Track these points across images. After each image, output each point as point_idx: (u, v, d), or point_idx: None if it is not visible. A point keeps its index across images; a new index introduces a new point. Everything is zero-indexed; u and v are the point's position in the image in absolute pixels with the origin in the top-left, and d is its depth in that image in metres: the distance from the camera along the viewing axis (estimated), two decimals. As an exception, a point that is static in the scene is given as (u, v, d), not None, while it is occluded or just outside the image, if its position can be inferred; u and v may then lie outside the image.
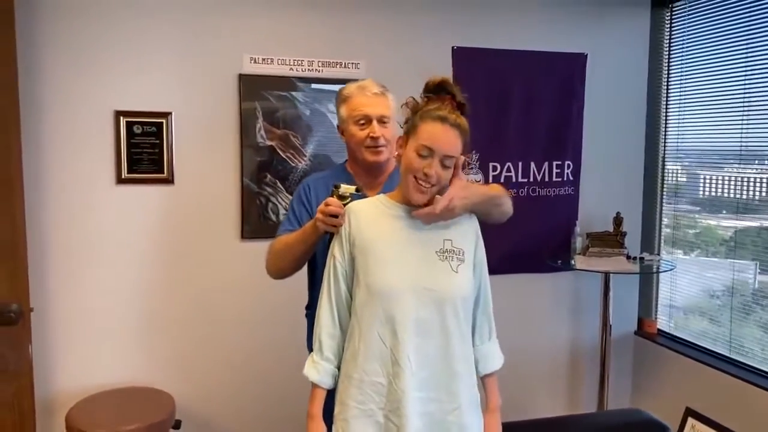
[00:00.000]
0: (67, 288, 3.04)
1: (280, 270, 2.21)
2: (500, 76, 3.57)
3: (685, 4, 3.69)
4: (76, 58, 2.97)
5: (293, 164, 3.29)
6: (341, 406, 1.82)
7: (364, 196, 2.00)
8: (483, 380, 1.95)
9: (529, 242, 3.66)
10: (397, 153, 1.89)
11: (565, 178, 3.75)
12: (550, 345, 3.85)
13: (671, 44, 3.82)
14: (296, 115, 3.27)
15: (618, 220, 3.67)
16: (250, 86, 3.18)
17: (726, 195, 3.49)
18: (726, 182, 3.49)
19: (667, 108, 3.85)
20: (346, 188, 1.94)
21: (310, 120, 3.28)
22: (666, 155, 3.87)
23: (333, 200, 1.91)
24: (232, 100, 3.18)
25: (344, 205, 1.90)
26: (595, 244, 3.66)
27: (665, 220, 3.91)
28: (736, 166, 3.40)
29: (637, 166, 3.93)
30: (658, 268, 3.76)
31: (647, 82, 3.89)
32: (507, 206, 2.11)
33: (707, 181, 3.63)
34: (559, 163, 3.73)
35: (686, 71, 3.72)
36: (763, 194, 3.26)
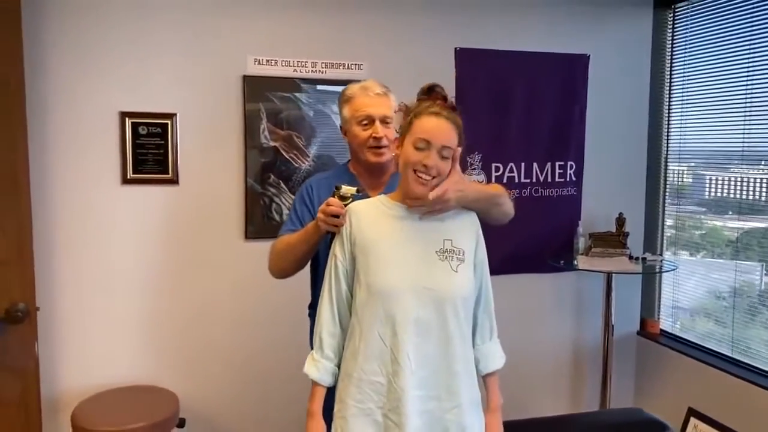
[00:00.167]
0: (73, 287, 3.07)
1: (282, 270, 2.23)
2: (503, 77, 3.58)
3: (688, 5, 3.69)
4: (81, 59, 2.99)
5: (297, 165, 3.31)
6: (340, 404, 1.84)
7: (366, 197, 2.02)
8: (484, 380, 1.96)
9: (531, 242, 3.67)
10: (394, 154, 1.91)
11: (567, 179, 3.76)
12: (552, 345, 3.86)
13: (674, 45, 3.83)
14: (300, 116, 3.29)
15: (620, 221, 3.68)
16: (254, 87, 3.20)
17: (729, 196, 3.50)
18: (729, 183, 3.50)
19: (669, 108, 3.86)
20: (347, 189, 1.96)
21: (313, 121, 3.30)
22: (668, 156, 3.88)
23: (334, 200, 1.93)
24: (237, 101, 3.20)
25: (345, 205, 1.92)
26: (597, 245, 3.67)
27: (668, 221, 3.92)
28: (740, 167, 3.40)
29: (639, 167, 3.93)
30: (660, 269, 3.77)
31: (650, 82, 3.89)
32: (507, 206, 2.11)
33: (710, 181, 3.63)
34: (562, 163, 3.74)
35: (689, 72, 3.72)
36: None
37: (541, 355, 3.83)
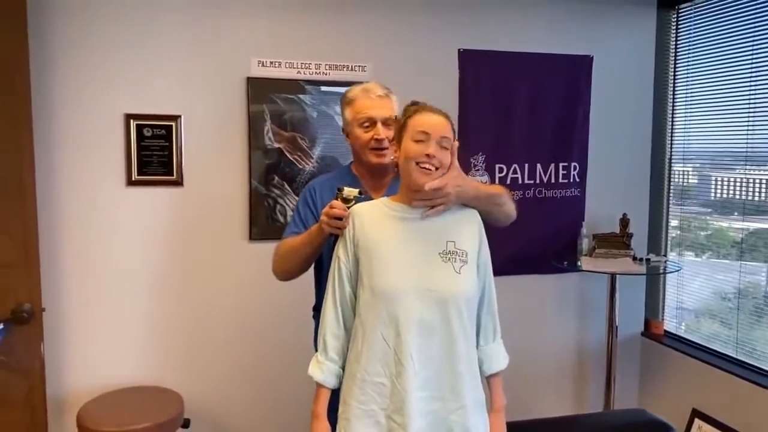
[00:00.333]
0: (78, 288, 3.08)
1: (286, 272, 2.23)
2: (506, 78, 3.59)
3: (692, 5, 3.69)
4: (86, 62, 3.00)
5: (300, 166, 3.32)
6: (344, 405, 1.85)
7: (368, 199, 2.03)
8: (488, 380, 1.96)
9: (535, 243, 3.67)
10: (393, 158, 1.93)
11: (571, 180, 3.76)
12: (556, 346, 3.86)
13: (677, 46, 3.82)
14: (303, 118, 3.30)
15: (624, 222, 3.68)
16: (258, 89, 3.22)
17: (733, 196, 3.49)
18: (733, 184, 3.49)
19: (673, 109, 3.86)
20: (350, 191, 1.97)
21: (317, 122, 3.31)
22: (672, 156, 3.88)
23: (337, 203, 1.94)
24: (241, 103, 3.21)
25: (348, 207, 1.93)
26: (601, 246, 3.67)
27: (672, 222, 3.91)
28: (744, 167, 3.40)
29: (643, 168, 3.93)
30: (664, 270, 3.76)
31: (653, 83, 3.89)
32: (509, 207, 2.11)
33: (714, 182, 3.63)
34: (566, 164, 3.74)
35: (692, 72, 3.72)
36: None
37: (545, 356, 3.83)
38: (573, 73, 3.71)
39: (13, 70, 2.41)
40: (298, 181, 3.31)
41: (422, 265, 1.82)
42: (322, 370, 1.89)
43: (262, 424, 3.38)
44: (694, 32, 3.70)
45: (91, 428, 2.68)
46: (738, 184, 3.45)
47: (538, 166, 3.70)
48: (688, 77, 3.75)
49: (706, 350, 3.61)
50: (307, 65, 3.28)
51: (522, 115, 3.63)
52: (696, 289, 3.74)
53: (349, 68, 3.34)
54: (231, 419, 3.35)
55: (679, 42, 3.82)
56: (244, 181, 3.26)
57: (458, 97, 3.52)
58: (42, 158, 2.88)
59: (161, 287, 3.20)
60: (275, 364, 3.35)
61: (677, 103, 3.84)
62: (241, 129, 3.23)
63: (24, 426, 2.53)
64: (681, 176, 3.85)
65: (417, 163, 1.80)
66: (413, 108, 1.89)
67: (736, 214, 3.47)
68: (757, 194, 3.33)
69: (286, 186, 3.31)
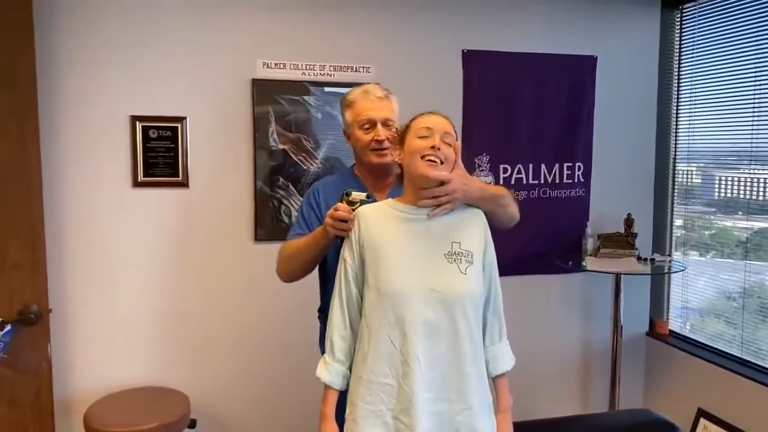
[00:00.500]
0: (85, 289, 3.09)
1: (290, 273, 2.25)
2: (510, 79, 3.59)
3: (695, 5, 3.69)
4: (92, 64, 3.02)
5: (305, 167, 3.33)
6: (351, 406, 1.85)
7: (374, 202, 2.04)
8: (494, 381, 1.96)
9: (540, 243, 3.67)
10: (397, 159, 1.94)
11: (575, 180, 3.76)
12: (561, 346, 3.86)
13: (681, 45, 3.82)
14: (308, 119, 3.31)
15: (629, 222, 3.68)
16: (263, 91, 3.23)
17: (738, 196, 3.49)
18: (738, 183, 3.49)
19: (677, 109, 3.85)
20: (357, 195, 1.98)
21: (321, 123, 3.32)
22: (677, 156, 3.88)
23: (341, 205, 1.95)
24: (246, 104, 3.22)
25: (353, 210, 1.94)
26: (606, 246, 3.67)
27: (676, 221, 3.91)
28: (749, 166, 3.39)
29: (647, 168, 3.93)
30: (669, 269, 3.76)
31: (658, 83, 3.89)
32: (512, 208, 2.12)
33: (719, 182, 3.63)
34: (570, 164, 3.74)
35: (697, 72, 3.72)
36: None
37: (550, 357, 3.83)
38: (577, 74, 3.71)
39: (20, 72, 2.43)
40: (303, 182, 3.32)
41: (428, 266, 1.82)
42: (330, 371, 1.90)
43: (268, 424, 3.39)
44: (698, 32, 3.70)
45: (97, 428, 2.69)
46: (742, 183, 3.45)
47: (543, 166, 3.70)
48: (692, 77, 3.75)
49: (711, 350, 3.61)
50: (311, 66, 3.29)
51: (526, 116, 3.63)
52: (701, 289, 3.74)
53: (354, 69, 3.35)
54: (237, 420, 3.36)
55: (683, 42, 3.82)
56: (249, 182, 3.27)
57: (462, 98, 3.52)
58: (48, 160, 2.89)
59: (167, 288, 3.21)
60: (281, 364, 3.36)
61: (681, 103, 3.83)
62: (246, 130, 3.24)
63: (31, 426, 2.55)
64: (685, 176, 3.85)
65: (422, 157, 1.82)
66: (414, 116, 1.94)
67: (740, 213, 3.47)
68: (761, 193, 3.33)
69: (291, 187, 3.32)
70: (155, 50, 3.09)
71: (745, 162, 3.42)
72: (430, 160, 1.82)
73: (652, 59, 3.87)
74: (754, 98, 3.31)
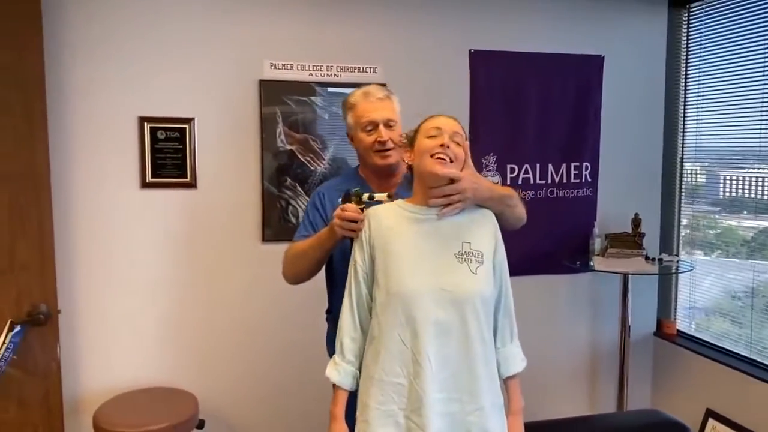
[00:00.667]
0: (94, 290, 3.10)
1: (295, 275, 2.25)
2: (517, 79, 3.59)
3: (702, 4, 3.68)
4: (100, 66, 3.02)
5: (312, 168, 3.33)
6: (363, 407, 1.85)
7: (380, 202, 2.04)
8: (505, 383, 1.95)
9: (547, 243, 3.67)
10: (407, 163, 1.95)
11: (583, 180, 3.76)
12: (568, 346, 3.85)
13: (689, 45, 3.81)
14: (315, 119, 3.31)
15: (636, 221, 3.67)
16: (271, 91, 3.23)
17: (746, 195, 3.48)
18: (746, 182, 3.48)
19: (685, 108, 3.84)
20: (379, 196, 1.99)
21: (328, 124, 3.32)
22: (684, 155, 3.87)
23: (351, 206, 1.95)
24: (253, 105, 3.23)
25: (362, 209, 1.94)
26: (613, 245, 3.66)
27: (684, 221, 3.90)
28: (756, 166, 3.38)
29: (655, 167, 3.92)
30: (677, 269, 3.75)
31: (665, 82, 3.88)
32: (520, 209, 2.13)
33: (727, 181, 3.62)
34: (577, 164, 3.74)
35: (704, 71, 3.71)
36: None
37: (557, 357, 3.82)
38: (584, 73, 3.70)
39: (29, 74, 2.44)
40: (310, 182, 3.32)
41: (438, 266, 1.82)
42: (339, 371, 1.90)
43: (275, 424, 3.39)
44: (706, 31, 3.68)
45: (106, 429, 2.69)
46: (750, 182, 3.44)
47: (550, 166, 3.70)
48: (699, 76, 3.74)
49: (718, 350, 3.60)
50: (318, 67, 3.29)
51: (533, 116, 3.63)
52: (708, 289, 3.73)
53: (361, 70, 3.35)
54: (245, 420, 3.36)
55: (690, 41, 3.81)
56: (257, 182, 3.27)
57: (469, 98, 3.52)
58: (57, 161, 2.89)
59: (175, 288, 3.22)
60: (288, 364, 3.36)
61: (689, 102, 3.82)
62: (254, 131, 3.25)
63: (41, 427, 2.56)
64: (693, 175, 3.83)
65: (432, 155, 1.82)
66: (424, 119, 1.96)
67: (748, 212, 3.45)
68: (769, 193, 3.33)
69: (298, 187, 3.32)
70: (163, 52, 3.10)
71: (753, 161, 3.40)
72: (439, 158, 1.82)
73: (660, 58, 3.86)
74: (762, 97, 3.30)
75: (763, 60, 3.29)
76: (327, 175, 3.30)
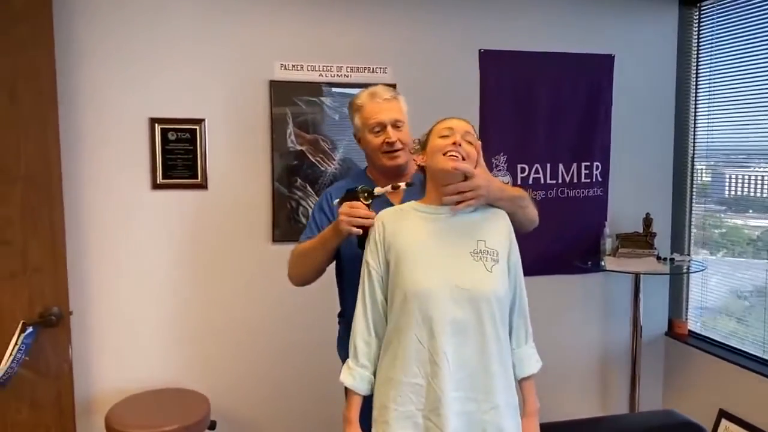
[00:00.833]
0: (105, 291, 3.11)
1: (300, 276, 2.24)
2: (527, 78, 3.58)
3: (713, 3, 3.66)
4: (111, 67, 3.03)
5: (323, 168, 3.33)
6: (381, 409, 1.84)
7: (383, 197, 2.04)
8: (520, 384, 1.95)
9: (558, 244, 3.65)
10: (418, 164, 1.95)
11: (593, 179, 3.74)
12: (580, 346, 3.84)
13: (699, 43, 3.79)
14: (325, 120, 3.31)
15: (647, 221, 3.66)
16: (281, 92, 3.23)
17: (758, 194, 3.46)
18: (758, 181, 3.46)
19: (696, 107, 3.82)
20: (379, 190, 1.98)
21: (338, 124, 3.31)
22: (695, 155, 3.85)
23: (358, 203, 1.95)
24: (264, 106, 3.23)
25: (368, 206, 1.95)
26: (624, 245, 3.65)
27: (695, 220, 3.88)
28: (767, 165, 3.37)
29: (666, 167, 3.90)
30: (688, 269, 3.73)
31: (675, 81, 3.86)
32: (531, 210, 2.12)
33: (738, 180, 3.60)
34: (588, 164, 3.72)
35: (715, 70, 3.69)
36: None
37: (569, 356, 3.81)
38: (594, 73, 3.69)
39: (40, 75, 2.44)
40: (321, 182, 3.32)
41: (454, 264, 1.81)
42: (354, 376, 1.88)
43: (287, 426, 3.39)
44: (716, 29, 3.67)
45: (119, 430, 2.69)
46: (763, 181, 3.42)
47: (560, 165, 3.68)
48: (710, 74, 3.72)
49: (730, 350, 3.58)
50: (328, 68, 3.29)
51: (543, 115, 3.62)
52: (720, 288, 3.71)
53: (371, 70, 3.35)
54: (257, 421, 3.36)
55: (701, 39, 3.79)
56: (267, 183, 3.27)
57: (479, 98, 3.51)
58: (68, 163, 2.90)
59: (186, 289, 3.22)
60: (300, 365, 3.36)
61: (700, 101, 3.80)
62: (264, 132, 3.24)
63: (53, 428, 2.56)
64: (704, 174, 3.81)
65: (444, 153, 1.83)
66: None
67: (757, 211, 3.43)
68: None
69: (309, 188, 3.32)
70: (174, 53, 3.10)
71: (765, 160, 3.38)
72: (452, 155, 1.82)
73: (670, 57, 3.84)
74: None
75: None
76: (337, 175, 3.30)
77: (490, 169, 3.50)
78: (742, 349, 3.51)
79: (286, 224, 3.30)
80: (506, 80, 3.54)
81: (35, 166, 2.44)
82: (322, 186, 3.29)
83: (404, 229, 1.88)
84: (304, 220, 3.29)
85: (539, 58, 3.58)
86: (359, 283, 1.93)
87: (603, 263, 3.57)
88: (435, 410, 1.76)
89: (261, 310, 3.32)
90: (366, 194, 1.98)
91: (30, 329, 2.37)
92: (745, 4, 3.44)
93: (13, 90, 2.39)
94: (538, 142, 3.63)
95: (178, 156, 3.13)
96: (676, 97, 3.87)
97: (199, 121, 3.14)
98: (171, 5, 3.09)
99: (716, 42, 3.67)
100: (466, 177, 1.84)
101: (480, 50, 3.51)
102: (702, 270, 3.68)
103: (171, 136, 3.11)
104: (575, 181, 3.71)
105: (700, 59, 3.80)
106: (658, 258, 3.61)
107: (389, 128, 2.17)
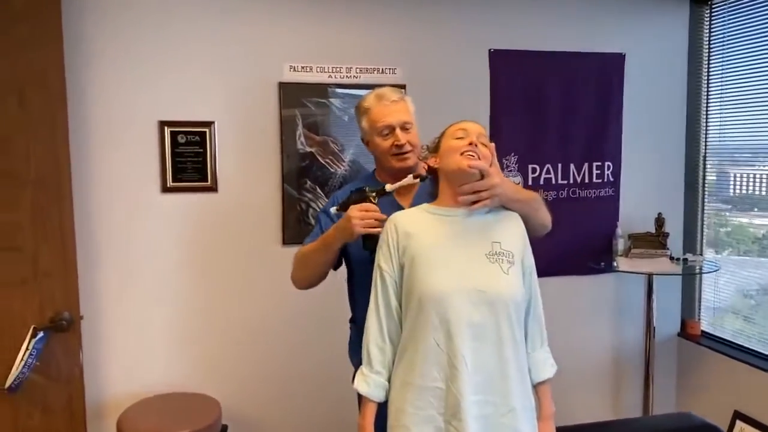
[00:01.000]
0: (115, 295, 3.10)
1: (303, 278, 2.23)
2: (538, 78, 3.55)
3: (725, 1, 3.63)
4: (121, 70, 3.02)
5: (332, 170, 3.32)
6: (398, 413, 1.82)
7: (390, 194, 2.04)
8: (536, 388, 1.93)
9: (570, 244, 3.62)
10: (429, 166, 1.94)
11: (605, 179, 3.72)
12: (593, 347, 3.81)
13: (711, 42, 3.76)
14: (335, 122, 3.29)
15: (660, 221, 3.63)
16: (290, 94, 3.22)
17: (764, 193, 3.43)
18: (765, 180, 3.43)
19: (707, 106, 3.79)
20: (390, 187, 1.99)
21: (348, 126, 3.30)
22: (707, 154, 3.81)
23: (369, 205, 1.94)
24: (273, 108, 3.22)
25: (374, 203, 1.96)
26: (637, 246, 3.62)
27: (707, 220, 3.85)
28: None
29: (677, 166, 3.87)
30: (701, 269, 3.70)
31: (687, 80, 3.83)
32: (544, 213, 2.10)
33: (751, 179, 3.57)
34: (599, 164, 3.70)
35: (727, 68, 3.66)
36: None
37: (582, 358, 3.78)
38: (605, 72, 3.66)
39: (50, 78, 2.43)
40: (330, 184, 3.30)
41: (470, 266, 1.80)
42: (368, 383, 1.87)
43: (298, 429, 3.37)
44: (728, 27, 3.64)
45: (130, 435, 2.69)
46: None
47: (572, 166, 3.66)
48: (722, 73, 3.70)
49: (744, 350, 3.55)
50: (337, 69, 3.27)
51: (554, 115, 3.60)
52: (733, 288, 3.68)
53: (380, 71, 3.33)
54: (267, 424, 3.34)
55: (712, 38, 3.76)
56: (277, 185, 3.26)
57: (490, 98, 3.49)
58: (78, 166, 2.89)
59: (197, 292, 3.21)
60: (311, 368, 3.34)
61: (711, 100, 3.78)
62: (274, 134, 3.23)
63: (64, 432, 2.55)
64: (716, 174, 3.78)
65: (461, 153, 1.82)
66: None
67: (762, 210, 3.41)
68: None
69: (318, 190, 3.30)
70: (183, 56, 3.09)
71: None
72: (469, 155, 1.82)
73: (681, 56, 3.82)
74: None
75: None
76: (347, 176, 3.29)
77: (502, 170, 3.48)
78: (756, 349, 3.48)
79: (295, 226, 3.28)
80: (516, 80, 3.52)
81: (45, 169, 2.43)
82: (332, 188, 3.28)
83: (419, 232, 1.86)
84: (313, 222, 3.28)
85: (549, 58, 3.56)
86: (371, 288, 1.92)
87: (615, 264, 3.55)
88: (455, 415, 1.74)
89: (271, 312, 3.30)
90: (374, 193, 1.96)
91: (41, 334, 2.37)
92: (757, 1, 3.41)
93: (21, 92, 2.38)
94: (549, 142, 3.61)
95: (188, 159, 3.12)
96: (688, 96, 3.84)
97: (209, 124, 3.13)
98: (180, 7, 3.08)
99: (728, 40, 3.64)
100: (481, 177, 1.82)
101: (490, 50, 3.49)
102: (716, 270, 3.65)
103: (180, 139, 3.10)
104: (587, 181, 3.69)
105: (711, 58, 3.77)
106: (671, 258, 3.58)
107: (398, 131, 2.16)
